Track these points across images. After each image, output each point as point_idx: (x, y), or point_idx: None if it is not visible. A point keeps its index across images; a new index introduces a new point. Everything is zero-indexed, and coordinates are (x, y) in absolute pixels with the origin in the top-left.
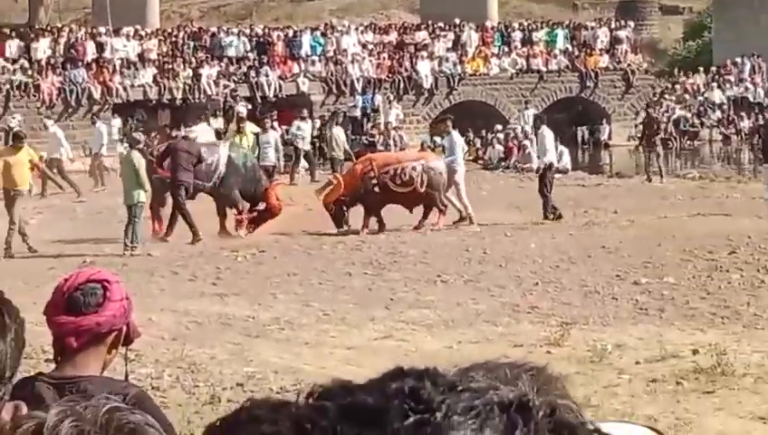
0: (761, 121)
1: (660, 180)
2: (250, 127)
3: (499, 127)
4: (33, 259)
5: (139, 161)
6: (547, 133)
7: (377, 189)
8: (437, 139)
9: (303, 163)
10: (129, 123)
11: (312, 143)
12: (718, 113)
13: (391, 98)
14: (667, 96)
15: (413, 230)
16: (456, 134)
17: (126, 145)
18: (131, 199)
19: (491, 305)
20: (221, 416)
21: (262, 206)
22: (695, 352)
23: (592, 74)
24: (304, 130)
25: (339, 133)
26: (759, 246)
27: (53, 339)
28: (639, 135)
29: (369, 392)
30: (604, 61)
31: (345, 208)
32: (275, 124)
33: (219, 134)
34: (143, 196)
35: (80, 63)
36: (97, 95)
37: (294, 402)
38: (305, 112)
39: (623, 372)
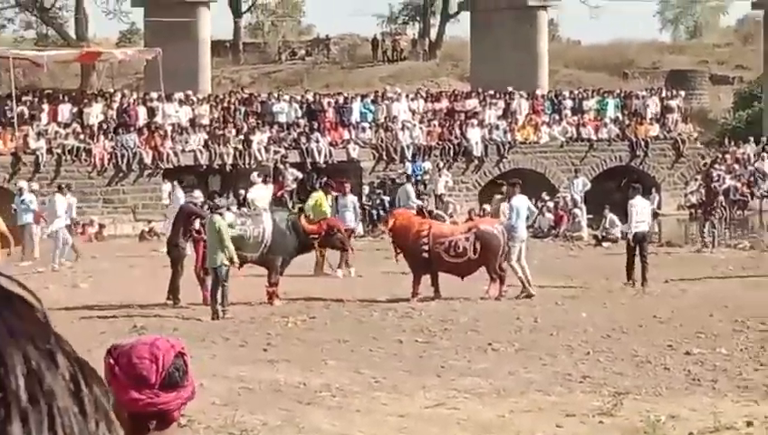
0: None
1: (711, 250)
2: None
3: (546, 196)
4: (85, 323)
5: (221, 225)
6: (641, 202)
7: (425, 255)
8: (486, 206)
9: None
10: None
11: (363, 208)
12: None
13: (441, 165)
14: (717, 166)
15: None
16: (519, 199)
17: (207, 210)
18: (214, 262)
19: (543, 374)
20: None
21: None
22: (749, 423)
23: (642, 143)
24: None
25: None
26: None
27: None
28: (697, 204)
29: None
30: (654, 130)
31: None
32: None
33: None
34: (225, 259)
35: (131, 128)
36: (148, 160)
37: None
38: (348, 186)
39: None
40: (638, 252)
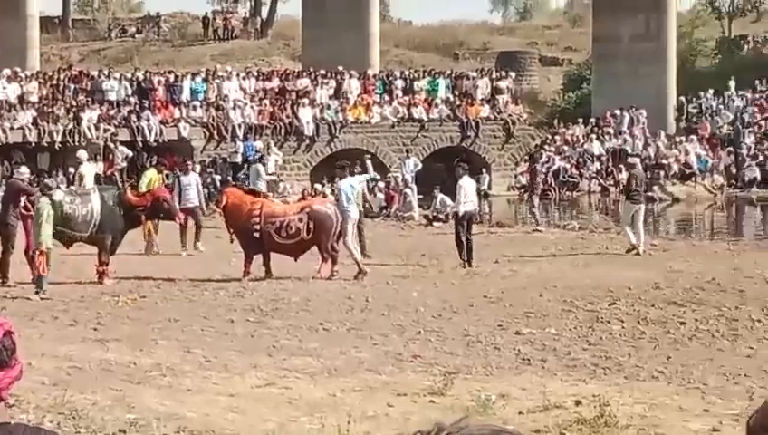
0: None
1: (536, 227)
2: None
3: (377, 175)
4: None
5: (46, 210)
6: (468, 182)
7: (256, 235)
8: (318, 186)
9: None
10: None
11: None
12: (597, 165)
13: (272, 144)
14: (546, 147)
15: (314, 278)
16: (347, 180)
17: (38, 189)
18: (39, 244)
19: (374, 354)
20: None
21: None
22: (577, 402)
23: (473, 124)
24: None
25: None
26: (639, 298)
27: None
28: (526, 184)
29: None
30: (485, 111)
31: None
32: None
33: (99, 179)
34: (50, 242)
35: None
36: None
37: None
38: (190, 165)
39: (506, 423)
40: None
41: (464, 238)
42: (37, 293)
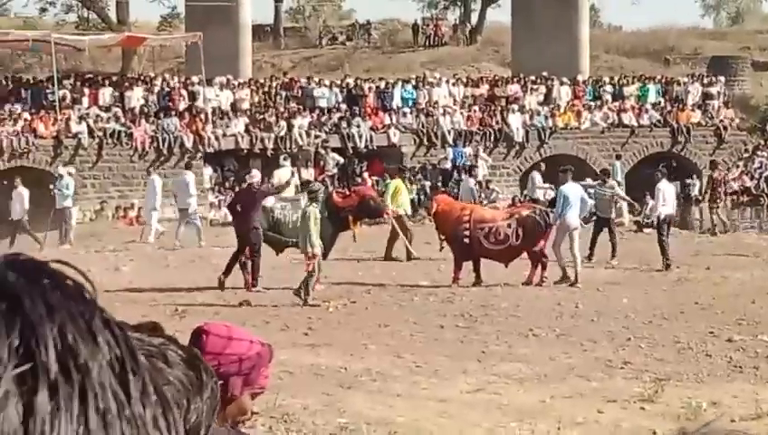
0: None
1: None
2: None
3: (589, 181)
4: (127, 306)
5: (314, 213)
6: (667, 187)
7: (466, 241)
8: (527, 192)
9: None
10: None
11: None
12: None
13: (481, 150)
14: (759, 152)
15: (522, 286)
16: (569, 186)
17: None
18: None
19: (584, 360)
20: None
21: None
22: None
23: (684, 129)
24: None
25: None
26: None
27: None
28: (738, 190)
29: None
30: (696, 116)
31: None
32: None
33: (309, 184)
34: (317, 249)
35: (173, 113)
36: (189, 144)
37: None
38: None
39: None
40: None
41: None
42: (300, 295)
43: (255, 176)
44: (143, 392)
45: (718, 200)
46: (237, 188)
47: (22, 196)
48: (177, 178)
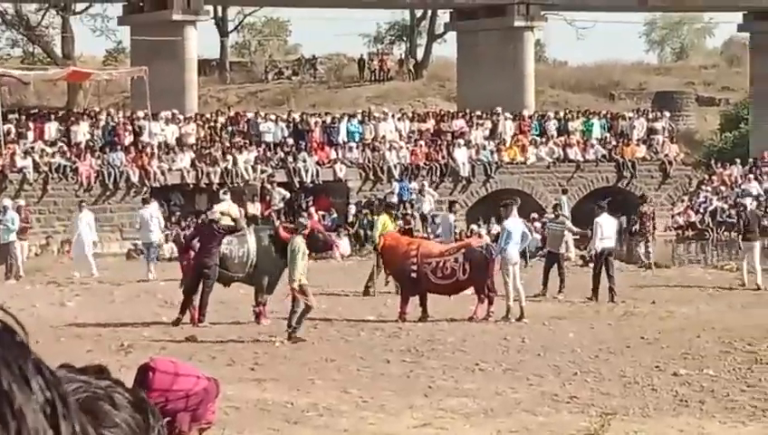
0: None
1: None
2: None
3: (535, 216)
4: (73, 341)
5: (299, 245)
6: (606, 220)
7: (413, 275)
8: (474, 226)
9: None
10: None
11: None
12: (755, 205)
13: (427, 185)
14: (704, 187)
15: (467, 321)
16: (512, 221)
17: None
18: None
19: (530, 395)
20: None
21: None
22: None
23: (629, 164)
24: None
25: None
26: None
27: None
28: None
29: None
30: (641, 151)
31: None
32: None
33: (256, 219)
34: (304, 280)
35: (118, 147)
36: (135, 178)
37: None
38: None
39: None
40: (604, 268)
41: (606, 275)
42: (292, 327)
43: (215, 212)
44: (73, 433)
45: (647, 234)
46: (188, 223)
47: None
48: (140, 212)
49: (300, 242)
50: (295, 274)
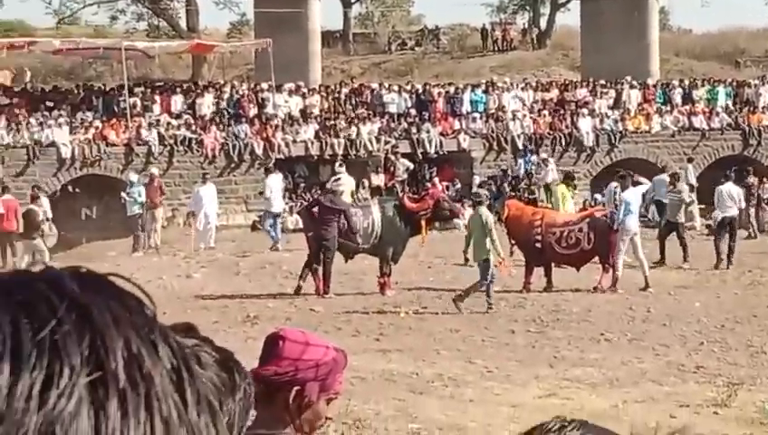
0: None
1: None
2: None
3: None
4: (199, 313)
5: (487, 217)
6: (730, 189)
7: (537, 245)
8: (598, 196)
9: None
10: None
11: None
12: None
13: (551, 155)
14: None
15: (592, 292)
16: (630, 192)
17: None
18: (480, 255)
19: (656, 364)
20: None
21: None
22: None
23: (755, 132)
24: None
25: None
26: None
27: None
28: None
29: None
30: (767, 119)
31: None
32: None
33: (380, 190)
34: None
35: (243, 119)
36: (259, 151)
37: None
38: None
39: None
40: (728, 236)
41: (726, 244)
42: (491, 306)
43: (341, 184)
44: (197, 401)
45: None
46: (311, 194)
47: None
48: (267, 182)
49: (488, 214)
50: (497, 245)
